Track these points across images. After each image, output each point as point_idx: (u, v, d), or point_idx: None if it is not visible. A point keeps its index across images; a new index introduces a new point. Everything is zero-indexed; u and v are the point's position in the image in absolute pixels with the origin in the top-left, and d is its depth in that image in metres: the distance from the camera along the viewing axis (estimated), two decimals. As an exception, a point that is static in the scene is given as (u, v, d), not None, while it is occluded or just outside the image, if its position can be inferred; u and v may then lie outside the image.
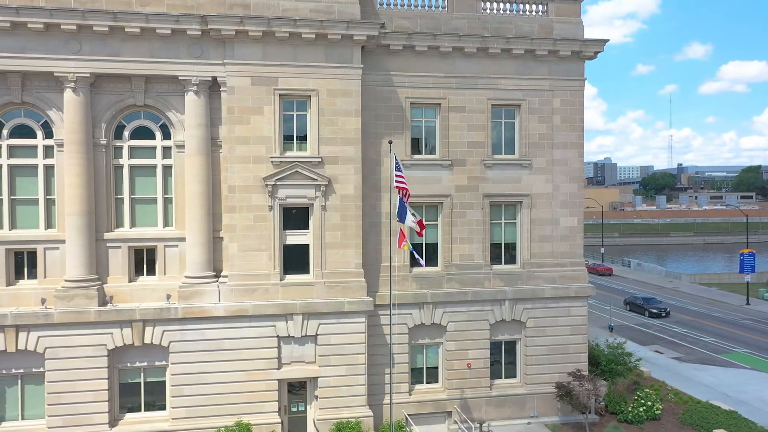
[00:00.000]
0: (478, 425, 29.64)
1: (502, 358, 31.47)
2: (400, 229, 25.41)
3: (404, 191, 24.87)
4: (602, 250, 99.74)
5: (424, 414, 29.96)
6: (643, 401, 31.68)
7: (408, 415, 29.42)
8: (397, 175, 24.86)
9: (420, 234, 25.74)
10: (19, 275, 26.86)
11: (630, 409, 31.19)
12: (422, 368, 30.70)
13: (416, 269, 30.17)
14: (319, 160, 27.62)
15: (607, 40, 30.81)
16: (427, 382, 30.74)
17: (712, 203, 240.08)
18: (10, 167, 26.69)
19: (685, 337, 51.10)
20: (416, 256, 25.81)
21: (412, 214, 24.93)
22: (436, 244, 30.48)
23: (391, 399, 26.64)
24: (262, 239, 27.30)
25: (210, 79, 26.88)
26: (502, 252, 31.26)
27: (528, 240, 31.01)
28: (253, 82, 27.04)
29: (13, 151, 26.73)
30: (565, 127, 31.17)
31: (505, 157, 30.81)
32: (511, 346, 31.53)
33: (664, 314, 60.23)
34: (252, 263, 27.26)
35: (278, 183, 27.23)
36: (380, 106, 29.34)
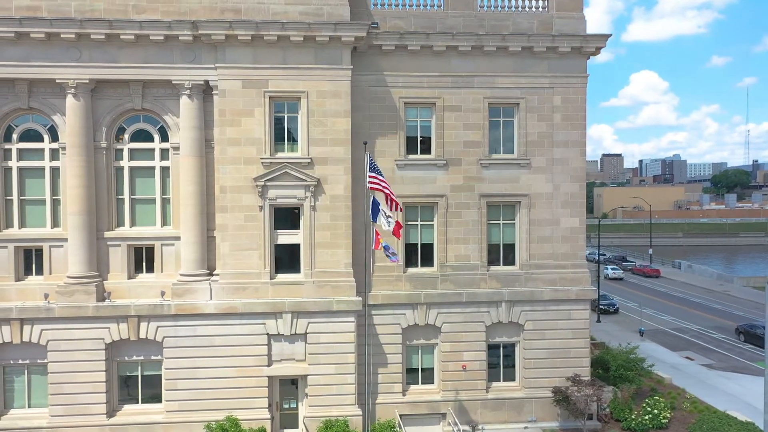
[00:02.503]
0: (470, 428, 29.37)
1: (500, 360, 30.99)
2: (375, 230, 25.46)
3: (385, 194, 24.84)
4: (650, 251, 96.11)
5: (418, 415, 29.86)
6: (649, 409, 30.52)
7: (402, 415, 29.42)
8: (371, 176, 24.87)
9: (398, 236, 25.66)
10: (27, 271, 28.42)
11: (633, 417, 30.10)
12: (417, 369, 30.59)
13: (411, 269, 30.14)
14: (309, 160, 27.96)
15: (610, 35, 29.82)
16: (422, 383, 30.60)
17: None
18: (20, 169, 28.29)
19: (722, 344, 48.72)
20: (388, 254, 25.77)
21: (388, 218, 24.88)
22: (432, 244, 30.31)
23: (367, 399, 26.91)
24: (252, 239, 27.88)
25: (203, 82, 27.66)
26: (500, 253, 30.76)
27: (527, 241, 30.39)
28: (243, 85, 27.64)
29: (22, 154, 28.31)
30: (566, 125, 30.36)
31: (503, 157, 30.29)
32: (509, 348, 31.01)
33: None
34: (243, 262, 27.89)
35: (268, 183, 27.74)
36: (373, 106, 29.42)
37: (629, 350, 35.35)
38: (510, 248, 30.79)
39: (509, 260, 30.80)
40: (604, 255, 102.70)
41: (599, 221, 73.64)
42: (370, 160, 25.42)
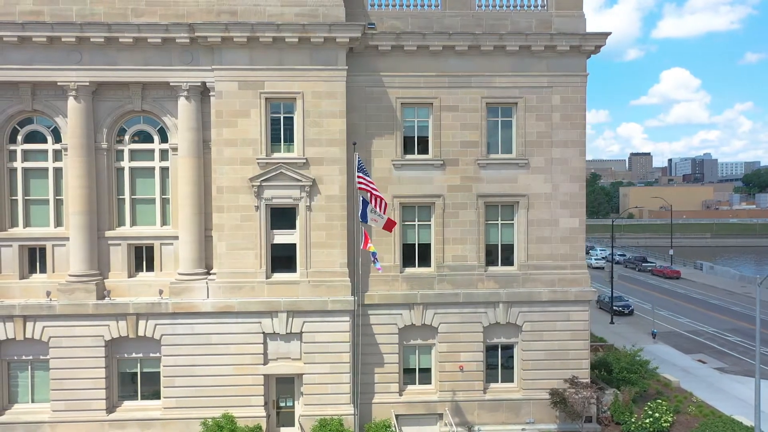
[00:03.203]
0: (466, 429, 29.29)
1: (499, 361, 30.81)
2: (364, 231, 25.55)
3: (372, 195, 24.97)
4: (671, 251, 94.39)
5: (414, 415, 29.86)
6: (650, 412, 30.05)
7: (399, 415, 29.45)
8: (359, 176, 24.96)
9: (389, 230, 25.94)
10: (31, 269, 29.15)
11: (633, 420, 29.66)
12: (414, 369, 30.57)
13: (408, 269, 30.15)
14: (304, 161, 28.14)
15: (609, 33, 29.43)
16: (420, 383, 30.57)
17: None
18: (24, 170, 29.00)
19: (736, 347, 47.69)
20: (373, 259, 25.85)
21: (379, 216, 25.01)
22: (429, 244, 30.26)
23: (356, 398, 26.97)
24: (248, 238, 28.16)
25: (200, 84, 28.01)
26: (498, 253, 30.59)
27: (525, 241, 30.16)
28: (240, 86, 27.93)
29: (26, 155, 29.02)
30: (565, 124, 30.06)
31: (501, 157, 30.11)
32: (508, 349, 30.81)
33: None
34: (239, 261, 28.19)
35: (264, 184, 28.00)
36: (370, 106, 29.47)
37: (633, 352, 34.89)
38: (508, 249, 30.60)
39: (507, 261, 30.61)
40: (624, 256, 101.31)
41: (612, 222, 72.77)
42: (358, 161, 25.50)
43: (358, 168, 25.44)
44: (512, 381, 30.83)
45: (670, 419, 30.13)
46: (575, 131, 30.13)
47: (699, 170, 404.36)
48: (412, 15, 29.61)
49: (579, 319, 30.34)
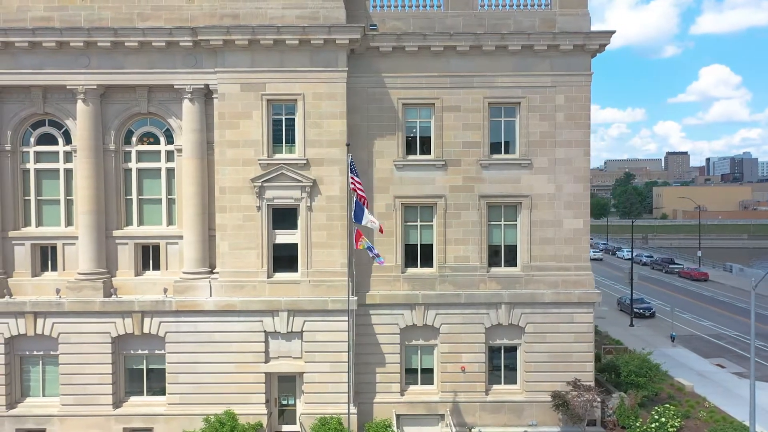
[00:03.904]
0: (467, 431, 29.20)
1: (502, 363, 30.63)
2: (356, 230, 25.67)
3: (358, 195, 25.17)
4: (699, 253, 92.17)
5: (416, 415, 29.90)
6: (657, 417, 29.51)
7: (400, 415, 29.54)
8: (351, 177, 25.11)
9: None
10: (43, 267, 30.06)
11: (638, 425, 29.18)
12: (416, 369, 30.60)
13: (410, 270, 30.20)
14: (305, 161, 28.41)
15: (613, 32, 28.96)
16: (422, 384, 30.58)
17: None
18: (37, 171, 29.91)
19: (759, 351, 46.22)
20: (371, 254, 25.92)
21: (373, 221, 25.28)
22: (431, 245, 30.26)
23: (349, 399, 27.09)
24: (250, 238, 28.55)
25: (203, 86, 28.51)
26: (501, 254, 30.42)
27: (528, 242, 29.92)
28: (242, 88, 28.33)
29: (39, 156, 29.93)
30: (569, 124, 29.73)
31: (504, 157, 29.93)
32: (510, 351, 30.61)
33: None
34: (241, 261, 28.60)
35: (265, 184, 28.36)
36: (372, 107, 29.60)
37: (643, 355, 34.29)
38: (511, 249, 30.39)
39: (510, 262, 30.39)
40: (651, 257, 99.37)
41: (632, 222, 71.42)
42: (350, 162, 25.69)
43: (351, 169, 25.58)
44: (515, 383, 30.62)
45: (677, 424, 29.50)
46: (579, 131, 29.77)
47: (738, 169, 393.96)
48: (413, 16, 29.64)
49: (583, 321, 29.97)
